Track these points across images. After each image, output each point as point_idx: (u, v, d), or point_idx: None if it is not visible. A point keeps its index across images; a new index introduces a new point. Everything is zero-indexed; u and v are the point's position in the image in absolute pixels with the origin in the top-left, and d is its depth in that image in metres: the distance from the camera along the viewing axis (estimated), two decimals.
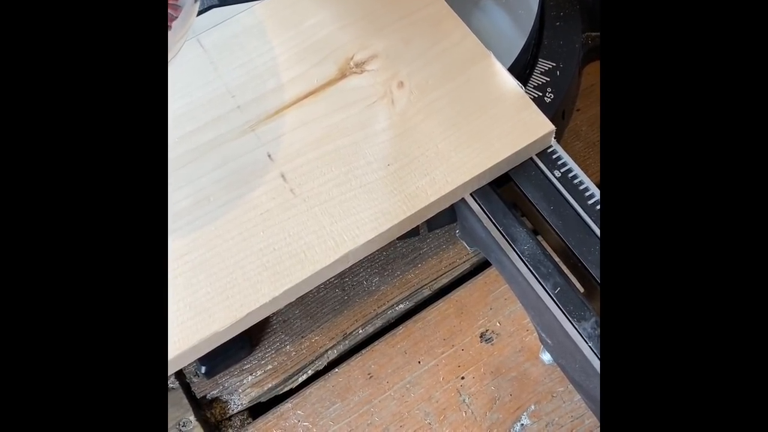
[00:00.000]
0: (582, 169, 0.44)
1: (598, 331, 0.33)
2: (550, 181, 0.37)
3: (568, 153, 0.38)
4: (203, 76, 0.40)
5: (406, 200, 0.35)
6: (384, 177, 0.36)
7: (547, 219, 0.36)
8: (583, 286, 0.35)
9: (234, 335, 0.35)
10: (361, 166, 0.36)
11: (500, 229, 0.36)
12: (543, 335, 0.38)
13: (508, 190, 0.38)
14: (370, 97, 0.38)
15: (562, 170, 0.38)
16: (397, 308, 0.44)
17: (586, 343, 0.33)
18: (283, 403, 0.42)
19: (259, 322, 0.44)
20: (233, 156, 0.37)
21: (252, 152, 0.37)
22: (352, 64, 0.39)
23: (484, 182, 0.37)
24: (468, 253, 0.45)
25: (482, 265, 0.45)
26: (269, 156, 0.37)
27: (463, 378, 0.41)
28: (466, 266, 0.45)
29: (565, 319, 0.34)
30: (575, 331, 0.33)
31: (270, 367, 0.43)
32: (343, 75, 0.39)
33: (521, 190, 0.38)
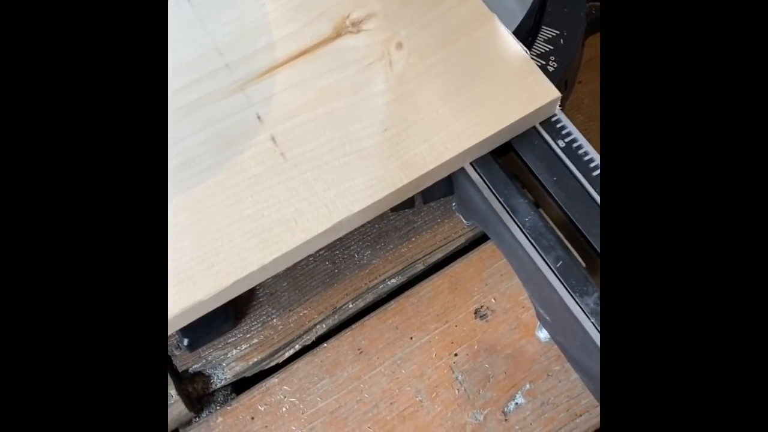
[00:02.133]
0: None
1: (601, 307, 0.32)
2: (553, 151, 0.36)
3: None
4: (190, 32, 0.38)
5: (404, 167, 0.33)
6: (380, 142, 0.34)
7: (550, 190, 0.35)
8: (585, 260, 0.34)
9: (218, 305, 0.33)
10: (357, 131, 0.34)
11: (500, 199, 0.35)
12: (541, 311, 0.36)
13: (509, 160, 0.37)
14: (366, 58, 0.36)
15: (566, 140, 0.36)
16: (389, 283, 0.43)
17: (588, 319, 0.32)
18: (268, 378, 0.40)
19: (245, 294, 0.42)
20: (220, 117, 0.35)
21: (240, 113, 0.35)
22: (348, 22, 0.37)
23: (485, 151, 0.35)
24: (464, 228, 0.43)
25: (478, 240, 0.43)
26: (259, 117, 0.35)
27: (456, 355, 0.40)
28: (462, 241, 0.44)
29: (567, 293, 0.32)
30: (577, 306, 0.32)
31: (256, 340, 0.42)
32: (338, 34, 0.37)
33: (523, 160, 0.36)
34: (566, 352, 0.36)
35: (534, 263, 0.34)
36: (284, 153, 0.34)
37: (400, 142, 0.34)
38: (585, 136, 0.37)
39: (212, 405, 0.40)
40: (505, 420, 0.38)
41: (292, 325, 0.42)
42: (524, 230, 0.34)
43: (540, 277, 0.33)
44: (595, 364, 0.33)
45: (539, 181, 0.35)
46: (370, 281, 0.43)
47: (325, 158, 0.34)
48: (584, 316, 0.32)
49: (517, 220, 0.34)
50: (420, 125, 0.34)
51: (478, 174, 0.35)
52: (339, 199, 0.33)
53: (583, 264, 0.34)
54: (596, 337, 0.31)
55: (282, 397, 0.40)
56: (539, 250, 0.33)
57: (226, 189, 0.33)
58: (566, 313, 0.33)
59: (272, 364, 0.41)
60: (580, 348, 0.33)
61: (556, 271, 0.33)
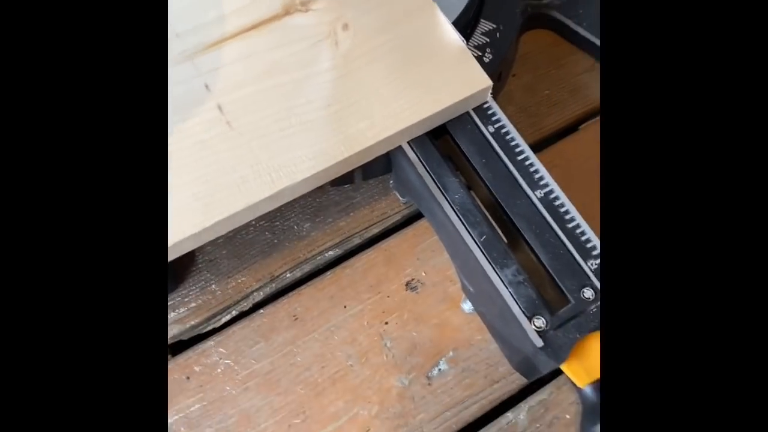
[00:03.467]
0: None
1: (518, 278, 0.35)
2: (483, 135, 0.38)
3: None
4: None
5: (345, 141, 0.35)
6: (324, 117, 0.36)
7: (479, 172, 0.38)
8: (506, 236, 0.37)
9: None
10: (302, 105, 0.36)
11: (434, 178, 0.37)
12: (466, 283, 0.39)
13: (444, 142, 0.39)
14: (314, 36, 0.38)
15: (496, 126, 0.39)
16: (326, 254, 0.45)
17: (507, 288, 0.35)
18: (205, 341, 0.42)
19: (185, 259, 0.43)
20: (169, 84, 0.36)
21: (188, 81, 0.36)
22: (297, 1, 0.39)
23: (422, 131, 0.37)
24: (400, 205, 0.46)
25: (413, 218, 0.46)
26: (206, 86, 0.36)
27: (386, 323, 0.42)
28: (398, 218, 0.46)
29: (489, 265, 0.35)
30: (497, 277, 0.35)
31: (194, 304, 0.43)
32: (287, 12, 0.38)
33: (456, 142, 0.39)
34: (487, 321, 0.39)
35: (461, 237, 0.36)
36: (230, 122, 0.36)
37: (343, 117, 0.36)
38: (514, 125, 0.40)
39: None
40: (429, 384, 0.41)
41: (230, 291, 0.43)
42: (454, 207, 0.37)
43: (466, 250, 0.36)
44: (511, 332, 0.36)
45: (470, 162, 0.38)
46: (308, 252, 0.45)
47: (270, 129, 0.35)
48: (503, 286, 0.35)
49: (448, 198, 0.37)
50: (362, 103, 0.36)
51: (415, 153, 0.38)
52: (282, 168, 0.35)
53: (505, 240, 0.36)
54: (512, 304, 0.34)
55: (217, 359, 0.41)
56: (466, 225, 0.36)
57: (172, 153, 0.34)
58: (488, 284, 0.35)
59: (209, 328, 0.43)
60: (499, 316, 0.36)
61: (480, 245, 0.36)
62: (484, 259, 0.35)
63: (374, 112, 0.36)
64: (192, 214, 0.33)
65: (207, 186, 0.34)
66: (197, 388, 0.40)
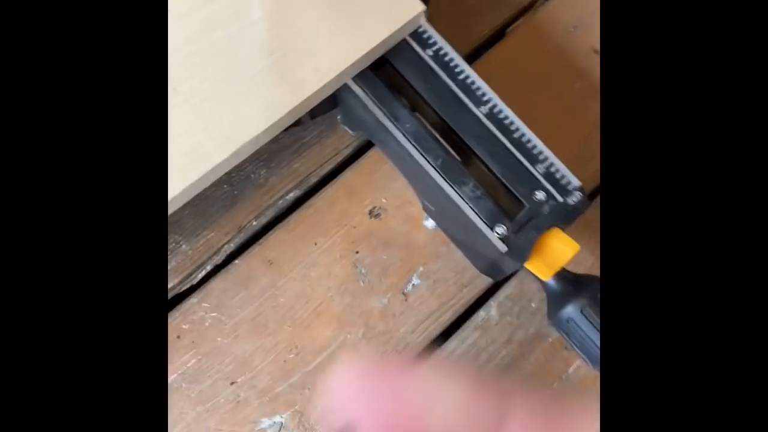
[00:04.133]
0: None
1: (476, 193, 0.37)
2: (423, 60, 0.40)
3: None
4: None
5: (292, 90, 0.36)
6: (267, 68, 0.36)
7: (424, 97, 0.39)
8: (459, 155, 0.39)
9: None
10: (242, 59, 0.36)
11: (383, 110, 0.38)
12: (427, 204, 0.41)
13: (386, 72, 0.40)
14: None
15: (433, 48, 0.40)
16: (287, 198, 0.46)
17: (467, 204, 0.37)
18: (187, 300, 0.43)
19: None
20: None
21: None
22: None
23: (364, 66, 0.38)
24: (350, 138, 0.47)
25: (363, 148, 0.47)
26: None
27: (357, 252, 0.45)
28: (349, 151, 0.47)
29: (448, 186, 0.38)
30: (457, 195, 0.37)
31: (168, 267, 0.44)
32: None
33: (398, 71, 0.40)
34: (450, 235, 0.42)
35: (418, 163, 0.38)
36: (175, 87, 0.35)
37: (285, 66, 0.36)
38: (449, 41, 0.41)
39: None
40: (405, 300, 0.44)
41: (201, 248, 0.44)
42: (407, 136, 0.38)
43: (424, 174, 0.38)
44: (475, 241, 0.39)
45: (414, 89, 0.39)
46: (270, 198, 0.46)
47: (215, 89, 0.36)
48: (463, 202, 0.37)
49: (400, 128, 0.38)
50: (303, 48, 0.37)
51: (361, 88, 0.39)
52: (234, 126, 0.35)
53: (459, 159, 0.39)
54: (474, 217, 0.37)
55: (203, 314, 0.43)
56: (421, 151, 0.38)
57: None
58: (449, 202, 0.38)
59: (187, 286, 0.44)
60: (462, 229, 0.39)
61: (437, 168, 0.38)
62: (443, 180, 0.38)
63: (316, 56, 0.37)
64: None
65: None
66: (189, 344, 0.42)
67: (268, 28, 0.37)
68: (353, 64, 0.37)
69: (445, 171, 0.37)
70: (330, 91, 0.38)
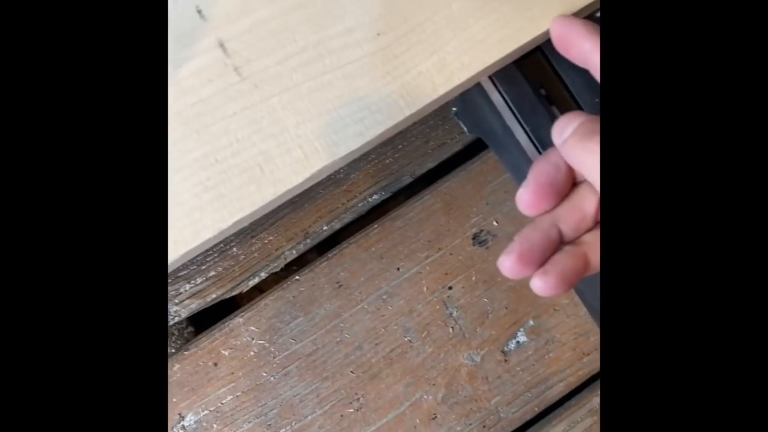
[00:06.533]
0: None
1: None
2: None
3: None
4: None
5: (405, 92, 0.25)
6: (372, 53, 0.25)
7: (577, 98, 0.27)
8: None
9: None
10: (339, 35, 0.25)
11: (527, 129, 0.27)
12: None
13: (534, 63, 0.28)
14: None
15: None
16: (369, 200, 0.36)
17: None
18: (232, 317, 0.35)
19: None
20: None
21: (174, 6, 0.25)
22: None
23: (511, 60, 0.26)
24: (461, 132, 0.35)
25: (477, 147, 0.36)
26: (199, 13, 0.25)
27: (450, 288, 0.35)
28: (458, 147, 0.36)
29: None
30: None
31: (213, 273, 0.35)
32: None
33: (552, 65, 0.28)
34: (577, 285, 0.31)
35: None
36: (239, 68, 0.25)
37: (399, 53, 0.25)
38: None
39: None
40: (505, 361, 0.34)
41: (255, 254, 0.35)
42: (538, 147, 0.27)
43: None
44: None
45: (566, 86, 0.27)
46: (348, 200, 0.36)
47: (296, 77, 0.25)
48: None
49: (532, 136, 0.27)
50: (426, 28, 0.25)
51: (500, 93, 0.27)
52: (319, 137, 0.24)
53: None
54: None
55: (249, 339, 0.34)
56: None
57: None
58: None
59: (234, 293, 0.35)
60: (594, 280, 0.28)
61: None
62: None
63: (444, 43, 0.25)
64: (200, 212, 0.24)
65: (216, 169, 0.24)
66: (228, 376, 0.34)
67: None
68: (496, 63, 0.25)
69: None
70: (456, 93, 0.26)
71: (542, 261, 0.22)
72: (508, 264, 0.22)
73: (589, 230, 0.22)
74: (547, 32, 0.25)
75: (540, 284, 0.22)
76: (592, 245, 0.22)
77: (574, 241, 0.23)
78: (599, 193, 0.20)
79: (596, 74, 0.22)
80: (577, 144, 0.20)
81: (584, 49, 0.22)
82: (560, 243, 0.23)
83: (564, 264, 0.22)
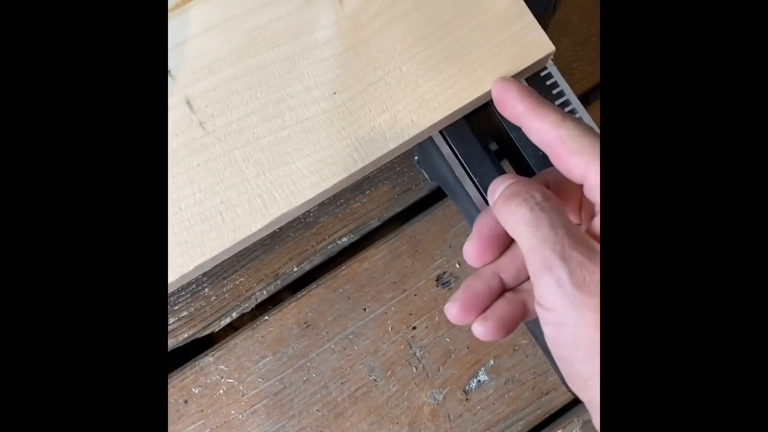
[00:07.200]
0: (568, 74, 0.36)
1: None
2: None
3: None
4: None
5: (358, 146, 0.26)
6: (329, 110, 0.27)
7: (522, 150, 0.29)
8: None
9: None
10: (298, 94, 0.27)
11: (475, 180, 0.28)
12: None
13: (484, 117, 0.30)
14: None
15: (553, 92, 0.30)
16: (339, 242, 0.37)
17: None
18: (202, 356, 0.36)
19: None
20: None
21: None
22: None
23: (461, 115, 0.28)
24: (425, 180, 0.37)
25: (441, 192, 0.38)
26: (169, 72, 0.27)
27: (414, 328, 0.36)
28: (423, 192, 0.38)
29: None
30: None
31: (185, 313, 0.36)
32: None
33: (501, 118, 0.29)
34: (534, 330, 0.32)
35: None
36: (203, 123, 0.26)
37: (354, 110, 0.27)
38: (570, 65, 0.31)
39: None
40: (466, 400, 0.35)
41: (226, 295, 0.36)
42: (487, 201, 0.28)
43: None
44: None
45: (518, 146, 0.29)
46: (317, 243, 0.37)
47: (257, 131, 0.26)
48: None
49: (481, 189, 0.29)
50: (379, 87, 0.27)
51: (449, 145, 0.29)
52: (277, 187, 0.26)
53: None
54: None
55: (219, 377, 0.35)
56: None
57: None
58: None
59: (206, 333, 0.36)
60: None
61: None
62: None
63: (395, 101, 0.27)
64: None
65: (180, 217, 0.26)
66: (197, 413, 0.35)
67: (336, 53, 0.27)
68: (444, 119, 0.27)
69: None
70: (408, 147, 0.28)
71: (484, 308, 0.24)
72: (453, 311, 0.24)
73: (528, 278, 0.24)
74: (489, 92, 0.27)
75: (480, 329, 0.23)
76: (531, 292, 0.24)
77: (514, 289, 0.24)
78: (523, 248, 0.21)
79: (528, 134, 0.23)
80: (502, 206, 0.22)
81: (517, 111, 0.24)
82: (502, 291, 0.24)
83: (502, 311, 0.23)
